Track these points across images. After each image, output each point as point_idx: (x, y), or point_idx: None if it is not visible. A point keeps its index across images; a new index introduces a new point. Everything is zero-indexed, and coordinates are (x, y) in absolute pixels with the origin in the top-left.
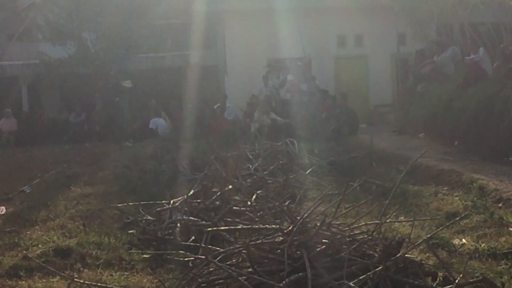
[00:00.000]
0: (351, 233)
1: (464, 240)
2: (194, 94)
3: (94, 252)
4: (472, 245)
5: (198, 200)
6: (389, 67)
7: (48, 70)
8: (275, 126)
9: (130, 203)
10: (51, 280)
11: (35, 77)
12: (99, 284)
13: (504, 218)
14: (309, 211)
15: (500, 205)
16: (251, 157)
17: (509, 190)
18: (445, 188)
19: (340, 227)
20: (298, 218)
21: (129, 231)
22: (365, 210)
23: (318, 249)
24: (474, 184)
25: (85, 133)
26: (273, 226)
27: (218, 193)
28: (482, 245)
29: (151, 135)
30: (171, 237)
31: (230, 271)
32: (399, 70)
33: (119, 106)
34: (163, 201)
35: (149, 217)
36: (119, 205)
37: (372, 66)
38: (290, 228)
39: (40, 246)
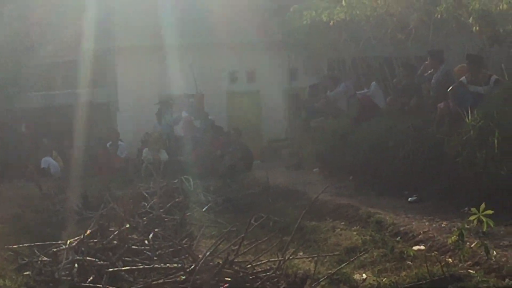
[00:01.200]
0: (254, 271)
1: (365, 275)
2: (87, 132)
3: None
4: (373, 280)
5: (95, 240)
6: (282, 102)
7: None
8: (158, 163)
9: (25, 244)
10: None
11: None
12: None
13: (405, 252)
14: (211, 249)
15: (398, 239)
16: (146, 195)
17: (406, 224)
18: (342, 223)
19: (242, 265)
20: (200, 256)
21: (25, 273)
22: (264, 247)
23: None
24: (372, 218)
25: None
26: (175, 265)
27: (115, 232)
28: (384, 280)
29: (43, 175)
30: (69, 278)
31: None
32: (292, 105)
33: (11, 146)
34: (59, 242)
35: (45, 258)
36: (14, 246)
37: (265, 102)
38: (192, 266)
39: None
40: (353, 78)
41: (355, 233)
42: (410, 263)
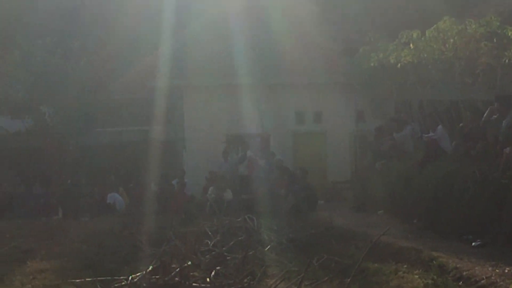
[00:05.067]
0: None
1: None
2: (153, 169)
3: None
4: None
5: (157, 276)
6: (348, 144)
7: (5, 143)
8: (222, 202)
9: (87, 279)
10: None
11: None
12: None
13: None
14: None
15: (460, 283)
16: (209, 233)
17: (469, 269)
18: (404, 266)
19: None
20: None
21: None
22: (325, 287)
23: None
24: (434, 262)
25: (42, 207)
26: None
27: (177, 269)
28: None
29: (108, 210)
30: None
31: None
32: (358, 147)
33: (77, 181)
34: (121, 277)
35: None
36: (77, 280)
37: (330, 143)
38: None
39: None
40: (419, 120)
41: (417, 276)
42: None
